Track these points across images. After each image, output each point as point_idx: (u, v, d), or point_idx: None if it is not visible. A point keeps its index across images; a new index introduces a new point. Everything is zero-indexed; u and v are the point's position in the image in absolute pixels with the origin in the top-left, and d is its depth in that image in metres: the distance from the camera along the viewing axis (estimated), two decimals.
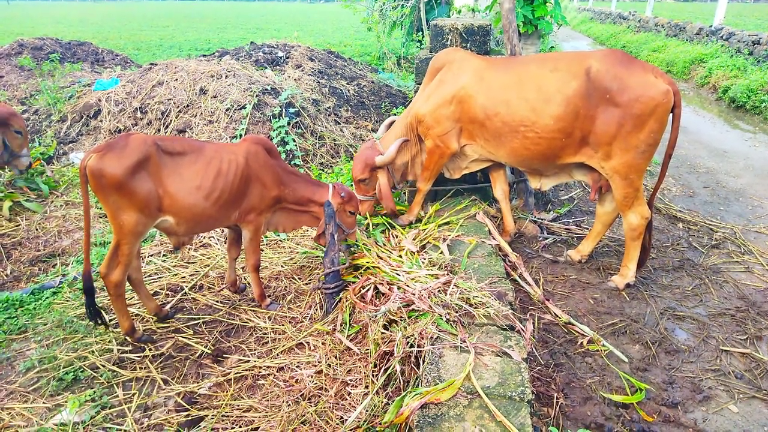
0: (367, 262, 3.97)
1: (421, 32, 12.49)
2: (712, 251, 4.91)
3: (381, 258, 3.99)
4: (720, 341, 3.68)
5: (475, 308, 3.25)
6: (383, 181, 4.60)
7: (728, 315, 3.97)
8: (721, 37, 13.59)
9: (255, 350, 3.57)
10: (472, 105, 4.17)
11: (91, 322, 3.52)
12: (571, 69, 3.85)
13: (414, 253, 4.04)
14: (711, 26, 14.47)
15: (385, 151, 4.58)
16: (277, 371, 3.34)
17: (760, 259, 4.74)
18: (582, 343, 3.60)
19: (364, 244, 4.26)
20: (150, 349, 3.56)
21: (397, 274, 3.71)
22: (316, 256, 4.65)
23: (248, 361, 3.44)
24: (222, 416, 2.99)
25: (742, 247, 4.97)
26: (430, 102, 4.36)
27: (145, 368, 3.40)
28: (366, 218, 4.78)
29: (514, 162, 4.31)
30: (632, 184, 3.90)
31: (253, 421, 2.95)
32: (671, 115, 3.76)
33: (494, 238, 4.37)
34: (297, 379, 3.24)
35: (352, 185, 4.96)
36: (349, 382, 3.19)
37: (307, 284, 4.29)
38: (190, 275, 4.45)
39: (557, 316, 3.82)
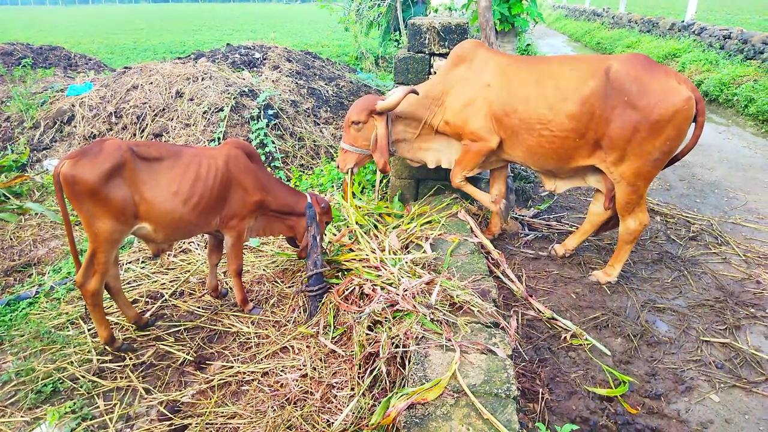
0: (352, 264, 3.95)
1: (398, 32, 12.51)
2: (690, 243, 4.98)
3: (364, 259, 3.98)
4: (700, 332, 3.73)
5: (459, 307, 3.25)
6: (381, 131, 4.27)
7: (707, 306, 4.03)
8: (693, 31, 13.81)
9: (238, 356, 3.53)
10: (494, 101, 4.10)
11: (69, 333, 3.45)
12: (590, 68, 3.79)
13: (397, 252, 4.03)
14: (683, 21, 14.70)
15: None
16: (261, 376, 3.30)
17: (737, 249, 4.82)
18: (565, 337, 3.62)
19: (343, 245, 4.24)
20: (130, 358, 3.49)
21: (380, 274, 3.69)
22: (299, 259, 4.61)
23: (232, 367, 3.39)
24: (206, 424, 2.95)
25: (719, 238, 5.05)
26: (456, 102, 4.24)
27: (126, 378, 3.34)
28: (346, 219, 4.71)
29: (528, 161, 4.24)
30: (637, 191, 3.85)
31: (239, 428, 2.92)
32: (693, 123, 3.66)
33: (476, 236, 4.38)
34: (282, 384, 3.21)
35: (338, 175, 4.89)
36: (334, 384, 3.16)
37: (289, 287, 4.25)
38: (170, 281, 4.38)
39: (540, 311, 3.85)
